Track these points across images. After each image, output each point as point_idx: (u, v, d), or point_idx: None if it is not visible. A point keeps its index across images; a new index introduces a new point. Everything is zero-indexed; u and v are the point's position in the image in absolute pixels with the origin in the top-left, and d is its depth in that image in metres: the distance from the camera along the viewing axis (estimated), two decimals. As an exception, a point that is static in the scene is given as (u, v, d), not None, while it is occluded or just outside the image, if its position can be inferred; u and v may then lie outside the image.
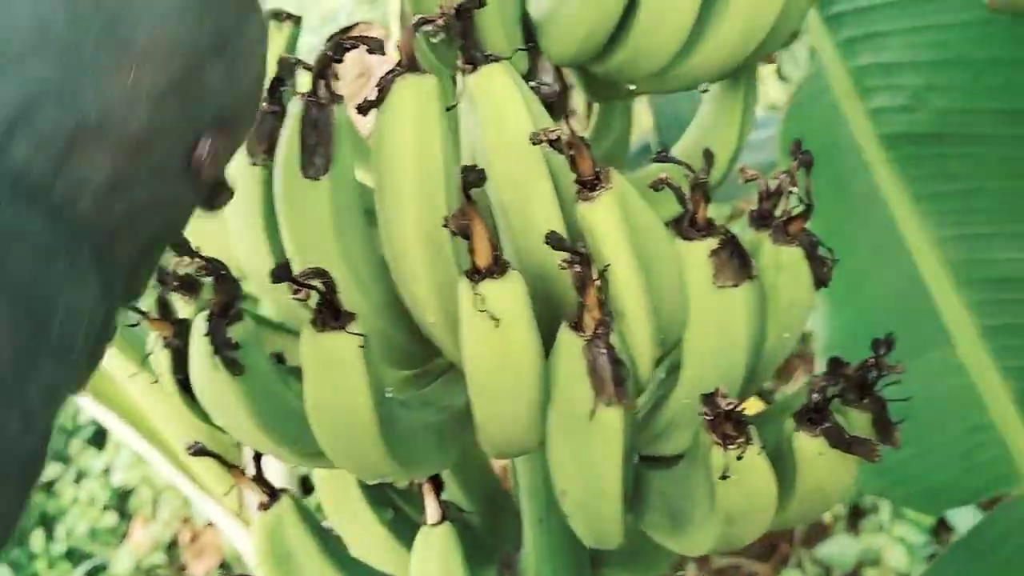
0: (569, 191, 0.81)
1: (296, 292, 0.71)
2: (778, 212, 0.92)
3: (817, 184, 1.51)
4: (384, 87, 0.79)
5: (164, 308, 0.92)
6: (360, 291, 0.86)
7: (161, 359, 0.91)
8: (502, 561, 1.09)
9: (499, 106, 0.80)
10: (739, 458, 0.74)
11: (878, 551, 3.83)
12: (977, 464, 1.38)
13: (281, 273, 0.70)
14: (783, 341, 0.94)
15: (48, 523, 4.41)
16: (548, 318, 0.82)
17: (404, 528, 1.08)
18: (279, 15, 1.06)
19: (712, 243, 0.85)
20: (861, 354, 0.89)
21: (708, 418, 0.74)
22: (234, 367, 0.80)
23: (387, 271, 0.89)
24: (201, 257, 0.80)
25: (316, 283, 0.73)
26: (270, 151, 0.87)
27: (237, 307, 0.82)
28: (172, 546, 4.39)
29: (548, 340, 0.80)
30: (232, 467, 0.98)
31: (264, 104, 0.88)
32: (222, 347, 0.80)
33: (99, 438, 4.57)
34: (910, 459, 1.47)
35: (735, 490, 0.76)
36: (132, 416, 1.86)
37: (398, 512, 1.10)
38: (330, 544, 1.00)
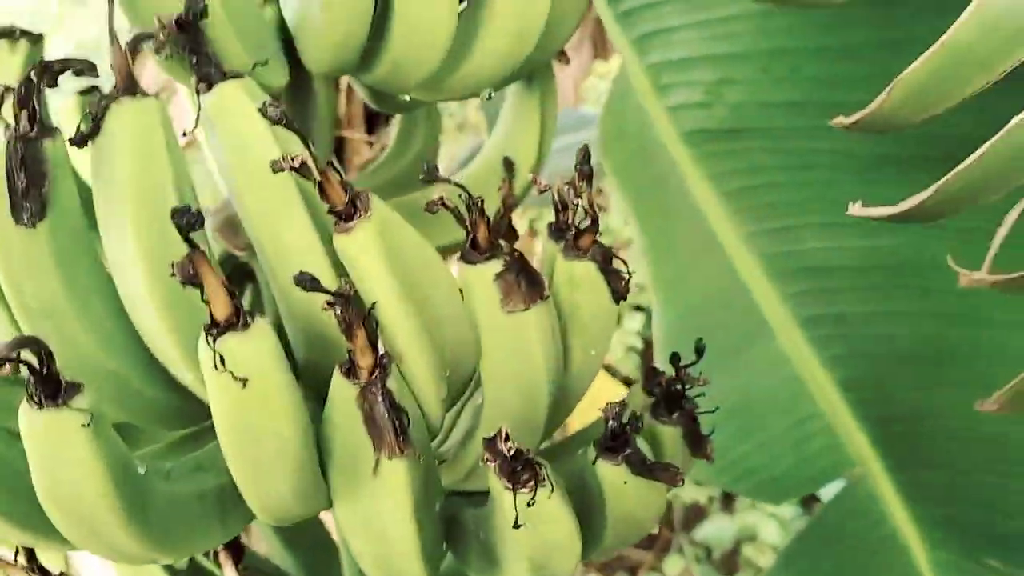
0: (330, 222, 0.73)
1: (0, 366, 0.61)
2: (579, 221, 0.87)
3: (641, 182, 1.48)
4: (97, 115, 0.69)
5: None
6: (104, 347, 0.76)
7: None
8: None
9: (239, 130, 0.71)
10: (530, 504, 0.68)
11: (753, 527, 3.93)
12: (810, 454, 1.38)
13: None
14: (591, 358, 0.89)
15: None
16: (326, 365, 0.74)
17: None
18: (10, 33, 0.93)
19: (496, 266, 0.78)
20: (690, 350, 0.84)
21: (491, 463, 0.67)
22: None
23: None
24: None
25: (26, 355, 0.62)
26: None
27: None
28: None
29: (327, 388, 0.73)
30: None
31: None
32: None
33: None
34: (751, 451, 1.46)
35: (533, 536, 0.70)
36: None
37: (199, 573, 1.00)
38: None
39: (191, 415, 0.83)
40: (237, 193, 0.73)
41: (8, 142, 0.69)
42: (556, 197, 0.85)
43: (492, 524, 0.80)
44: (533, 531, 0.69)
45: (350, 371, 0.70)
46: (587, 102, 5.27)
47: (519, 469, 0.68)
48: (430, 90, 0.89)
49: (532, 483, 0.67)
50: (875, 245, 1.22)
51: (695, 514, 4.01)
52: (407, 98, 0.90)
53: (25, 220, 0.70)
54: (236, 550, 0.89)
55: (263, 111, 0.68)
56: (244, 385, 0.63)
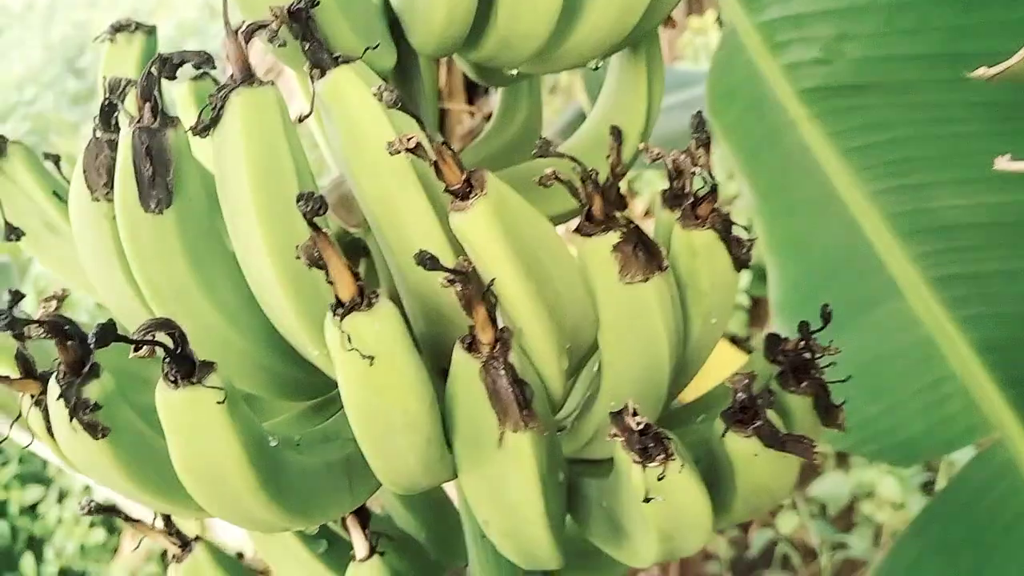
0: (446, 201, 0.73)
1: (137, 350, 0.63)
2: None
3: (753, 141, 1.42)
4: (219, 104, 0.70)
5: (26, 365, 0.83)
6: (231, 325, 0.78)
7: (35, 420, 0.83)
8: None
9: (353, 114, 0.71)
10: (660, 478, 0.66)
11: (870, 484, 3.82)
12: (945, 416, 1.31)
13: (105, 336, 0.61)
14: (711, 327, 0.86)
15: (36, 546, 4.35)
16: (445, 339, 0.74)
17: (340, 557, 1.01)
18: (126, 27, 0.96)
19: (613, 237, 0.76)
20: (812, 312, 0.81)
21: (619, 438, 0.66)
22: (94, 430, 0.72)
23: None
24: (35, 321, 0.71)
25: (161, 336, 0.64)
26: (110, 183, 0.78)
27: (91, 362, 0.73)
28: (165, 555, 4.34)
29: (448, 362, 0.73)
30: (136, 521, 0.91)
31: (98, 132, 0.78)
32: (79, 410, 0.71)
33: (78, 455, 4.50)
34: (879, 415, 1.41)
35: (663, 509, 0.69)
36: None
37: (333, 542, 1.03)
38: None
39: (315, 387, 0.85)
40: (354, 175, 0.74)
41: (133, 134, 0.71)
42: (670, 165, 0.82)
43: (618, 495, 0.79)
44: (663, 505, 0.68)
45: (471, 346, 0.70)
46: (683, 59, 5.13)
47: (649, 444, 0.66)
48: (537, 63, 0.87)
49: (662, 457, 0.66)
50: (1013, 200, 1.14)
51: (809, 470, 3.93)
52: (513, 72, 0.88)
53: (153, 207, 0.72)
54: (363, 515, 0.91)
55: (378, 95, 0.67)
56: (371, 363, 0.64)
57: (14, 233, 0.92)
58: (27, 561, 4.19)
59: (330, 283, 0.64)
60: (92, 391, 0.72)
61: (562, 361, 0.75)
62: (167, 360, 0.65)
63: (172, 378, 0.65)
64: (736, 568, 3.91)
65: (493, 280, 0.69)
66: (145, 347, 0.64)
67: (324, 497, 0.78)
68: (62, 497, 4.36)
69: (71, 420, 0.72)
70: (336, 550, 1.02)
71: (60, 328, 0.71)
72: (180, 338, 0.65)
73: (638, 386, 0.81)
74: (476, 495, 0.76)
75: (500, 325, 0.70)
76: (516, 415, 0.69)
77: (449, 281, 0.67)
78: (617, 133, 1.06)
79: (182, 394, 0.65)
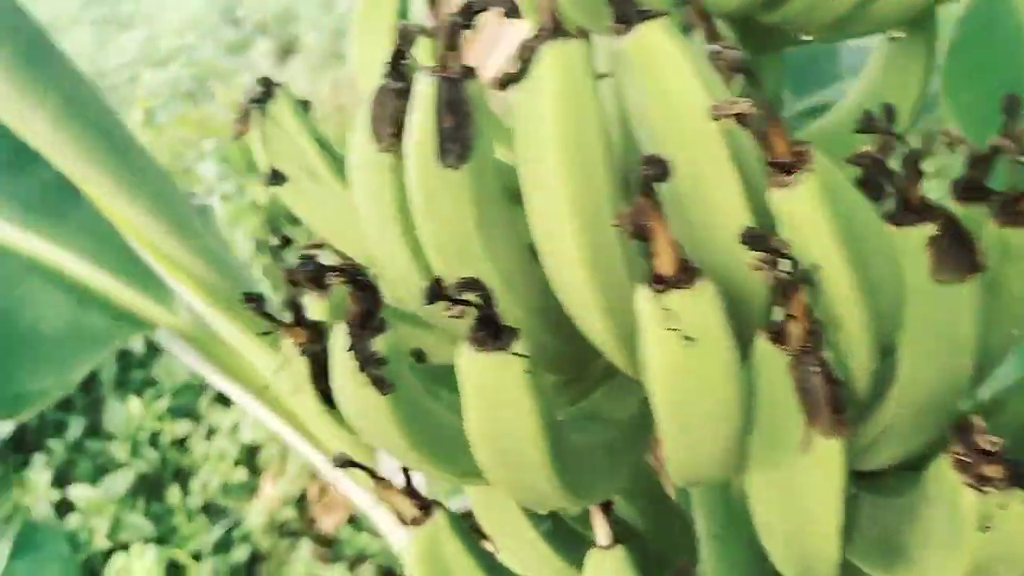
0: (752, 173, 0.68)
1: (450, 309, 0.62)
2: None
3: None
4: (526, 57, 0.67)
5: (298, 312, 0.83)
6: (510, 293, 0.76)
7: (299, 368, 0.83)
8: (677, 572, 0.99)
9: (665, 75, 0.67)
10: (1002, 507, 0.60)
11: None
12: None
13: (436, 292, 0.60)
14: (1010, 338, 0.79)
15: (182, 478, 4.58)
16: (737, 324, 0.70)
17: (563, 540, 0.99)
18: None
19: (930, 229, 0.70)
20: None
21: (959, 456, 0.61)
22: (382, 385, 0.71)
23: (537, 266, 0.79)
24: (334, 266, 0.71)
25: (471, 296, 0.63)
26: (397, 134, 0.77)
27: (379, 316, 0.73)
28: (301, 500, 4.51)
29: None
30: (379, 479, 0.91)
31: (387, 80, 0.77)
32: (368, 364, 0.71)
33: (226, 396, 4.70)
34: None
35: (989, 539, 0.63)
36: (262, 392, 1.84)
37: (556, 523, 1.01)
38: (489, 561, 0.92)
39: (577, 364, 0.83)
40: (658, 141, 0.70)
41: (437, 84, 0.69)
42: (973, 149, 0.76)
43: (915, 515, 0.73)
44: (989, 536, 0.62)
45: (778, 337, 0.66)
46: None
47: (991, 468, 0.60)
48: (833, 29, 0.81)
49: (1004, 484, 0.60)
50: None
51: None
52: (806, 37, 0.83)
53: (450, 162, 0.71)
54: (607, 502, 0.88)
55: (717, 53, 0.63)
56: (690, 343, 0.60)
57: (277, 178, 0.93)
58: (173, 492, 4.42)
59: (648, 255, 0.61)
60: (380, 345, 0.72)
61: (873, 361, 0.69)
62: (477, 321, 0.63)
63: (479, 341, 0.63)
64: None
65: (815, 266, 0.64)
66: (457, 307, 0.62)
67: (594, 478, 0.76)
68: (210, 434, 4.58)
69: (360, 371, 0.71)
70: (560, 532, 1.00)
71: (356, 277, 0.71)
72: (489, 300, 0.63)
73: (932, 397, 0.75)
74: (763, 496, 0.72)
75: (814, 317, 0.65)
76: (828, 419, 0.64)
77: (768, 263, 0.62)
78: (890, 112, 0.99)
79: (489, 358, 0.63)
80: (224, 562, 4.22)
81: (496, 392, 0.64)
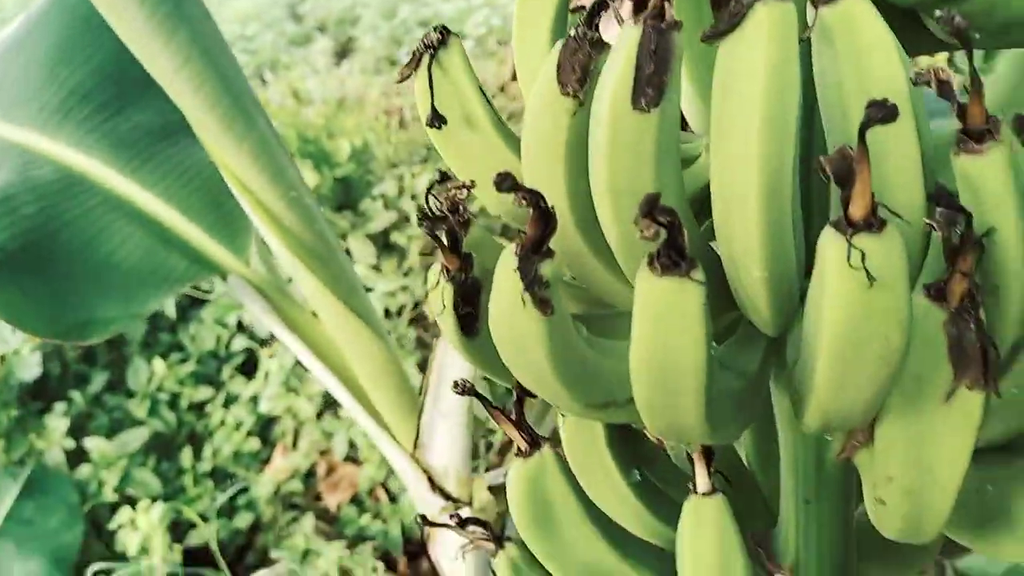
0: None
1: (648, 230, 0.66)
2: None
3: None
4: (738, 13, 0.72)
5: (453, 240, 0.88)
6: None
7: (444, 292, 0.88)
8: (753, 539, 1.03)
9: (865, 46, 0.71)
10: None
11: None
12: None
13: (648, 206, 0.64)
14: None
15: (196, 442, 4.62)
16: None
17: (649, 492, 1.03)
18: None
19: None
20: None
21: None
22: (545, 307, 0.75)
23: (691, 217, 0.83)
24: (521, 189, 0.75)
25: (664, 220, 0.67)
26: (582, 81, 0.82)
27: (549, 243, 0.77)
28: (309, 476, 4.54)
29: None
30: (496, 409, 0.95)
31: (580, 30, 0.82)
32: (534, 285, 0.75)
33: (249, 367, 4.74)
34: None
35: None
36: (321, 349, 1.88)
37: (643, 474, 1.04)
38: (589, 502, 0.96)
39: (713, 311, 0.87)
40: (845, 108, 0.74)
41: (645, 30, 0.74)
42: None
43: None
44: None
45: (937, 294, 0.70)
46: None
47: None
48: (1006, 33, 0.85)
49: None
50: None
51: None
52: (976, 36, 0.86)
53: (642, 105, 0.75)
54: (709, 450, 0.92)
55: (947, 19, 0.67)
56: (871, 285, 0.64)
57: (439, 120, 0.98)
58: (186, 454, 4.45)
59: (845, 199, 0.65)
60: (547, 269, 0.76)
61: (1016, 332, 0.73)
62: (664, 245, 0.67)
63: (665, 265, 0.68)
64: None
65: (991, 230, 0.68)
66: (650, 229, 0.67)
67: (726, 421, 0.80)
68: (228, 403, 4.61)
69: (525, 291, 0.75)
70: (646, 484, 1.04)
71: (539, 203, 0.75)
72: (677, 227, 0.67)
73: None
74: (890, 445, 0.76)
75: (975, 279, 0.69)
76: (977, 372, 0.68)
77: (945, 221, 0.67)
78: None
79: (672, 283, 0.67)
80: (226, 527, 4.25)
81: (670, 318, 0.68)
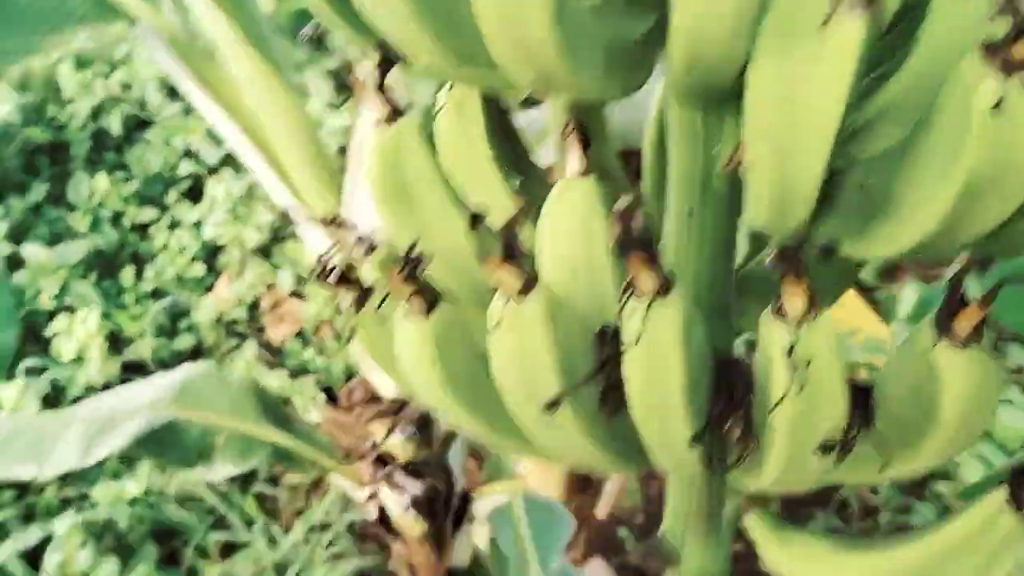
0: None
1: None
2: None
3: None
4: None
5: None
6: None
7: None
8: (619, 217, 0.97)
9: None
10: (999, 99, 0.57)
11: (951, 464, 3.69)
12: None
13: None
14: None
15: (138, 262, 4.54)
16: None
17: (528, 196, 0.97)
18: None
19: None
20: None
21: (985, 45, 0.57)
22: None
23: None
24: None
25: None
26: None
27: None
28: (254, 308, 4.50)
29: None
30: (354, 78, 0.87)
31: None
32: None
33: (195, 192, 4.63)
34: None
35: (997, 135, 0.60)
36: (232, 106, 1.78)
37: (526, 181, 0.98)
38: (447, 181, 0.89)
39: None
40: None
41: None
42: None
43: (904, 155, 0.71)
44: (996, 125, 0.59)
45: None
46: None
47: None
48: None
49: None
50: None
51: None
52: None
53: None
54: (584, 131, 0.84)
55: None
56: None
57: None
58: (127, 272, 4.38)
59: None
60: None
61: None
62: None
63: None
64: (788, 500, 3.86)
65: None
66: None
67: (586, 55, 0.72)
68: (173, 226, 4.52)
69: None
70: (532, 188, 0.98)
71: None
72: None
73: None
74: (762, 92, 0.69)
75: None
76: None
77: None
78: None
79: None
80: (167, 347, 4.22)
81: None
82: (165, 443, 2.07)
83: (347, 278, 0.81)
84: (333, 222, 0.95)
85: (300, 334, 4.48)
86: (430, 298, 0.73)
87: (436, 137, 0.89)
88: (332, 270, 0.79)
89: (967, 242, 0.75)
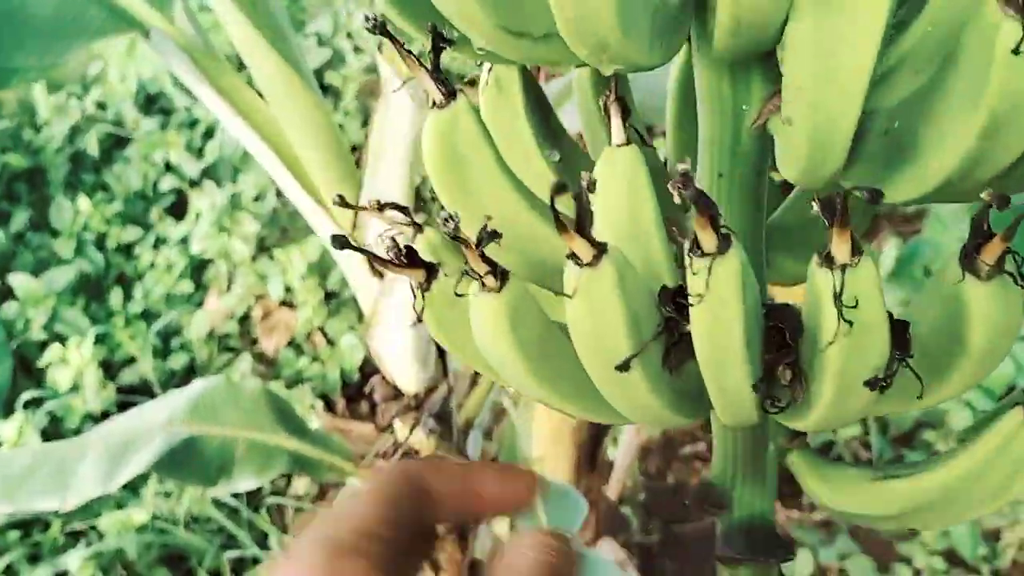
0: None
1: None
2: None
3: None
4: None
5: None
6: None
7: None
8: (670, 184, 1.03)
9: None
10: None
11: (940, 412, 3.80)
12: None
13: None
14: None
15: (126, 284, 4.54)
16: None
17: (566, 172, 1.02)
18: None
19: None
20: None
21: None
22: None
23: None
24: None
25: None
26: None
27: None
28: (245, 320, 4.51)
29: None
30: (410, 55, 0.91)
31: None
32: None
33: (178, 208, 4.64)
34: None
35: (1019, 73, 0.67)
36: (248, 110, 1.81)
37: (565, 156, 1.04)
38: (500, 157, 0.94)
39: None
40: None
41: None
42: None
43: (927, 97, 0.77)
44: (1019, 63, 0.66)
45: None
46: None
47: None
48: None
49: None
50: None
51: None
52: None
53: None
54: (624, 102, 0.89)
55: None
56: None
57: None
58: (116, 295, 4.38)
59: None
60: None
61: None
62: None
63: None
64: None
65: None
66: None
67: (641, 26, 0.77)
68: (158, 244, 4.52)
69: None
70: (564, 164, 1.03)
71: None
72: None
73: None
74: (799, 51, 0.75)
75: None
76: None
77: None
78: None
79: None
80: (160, 368, 4.23)
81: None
82: (184, 462, 2.05)
83: (415, 260, 0.84)
84: (380, 208, 0.99)
85: (292, 343, 4.50)
86: (503, 273, 0.78)
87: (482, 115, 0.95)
88: (404, 251, 0.83)
89: (985, 179, 0.82)
